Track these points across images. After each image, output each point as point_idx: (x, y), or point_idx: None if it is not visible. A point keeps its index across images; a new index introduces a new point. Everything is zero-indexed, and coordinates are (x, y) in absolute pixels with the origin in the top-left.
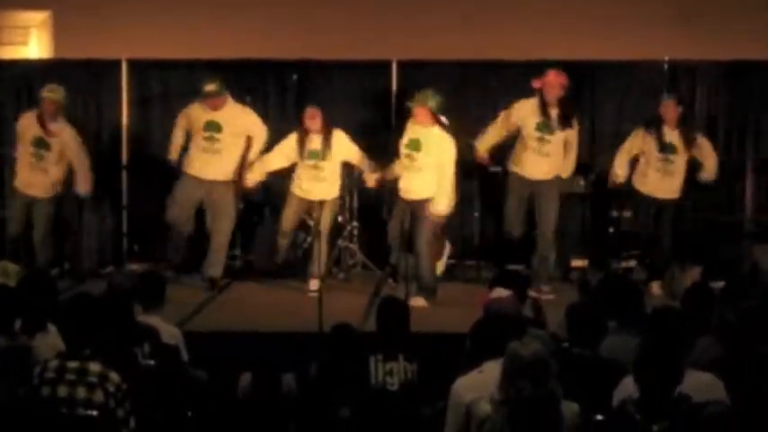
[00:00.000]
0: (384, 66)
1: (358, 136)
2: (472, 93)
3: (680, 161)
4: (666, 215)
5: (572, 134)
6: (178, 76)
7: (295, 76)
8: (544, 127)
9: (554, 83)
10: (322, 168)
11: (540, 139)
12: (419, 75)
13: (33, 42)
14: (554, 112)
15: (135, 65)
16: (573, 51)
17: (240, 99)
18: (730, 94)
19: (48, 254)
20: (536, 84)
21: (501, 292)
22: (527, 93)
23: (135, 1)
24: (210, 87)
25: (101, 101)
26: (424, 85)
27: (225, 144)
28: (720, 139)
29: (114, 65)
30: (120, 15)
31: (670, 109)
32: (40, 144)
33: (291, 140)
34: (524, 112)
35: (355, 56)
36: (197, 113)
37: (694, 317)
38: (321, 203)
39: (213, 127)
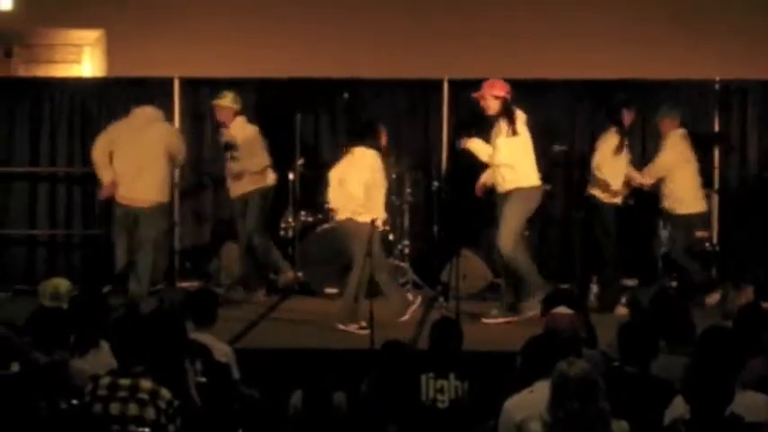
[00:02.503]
0: (435, 85)
1: (407, 154)
2: (522, 111)
3: None
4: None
5: (516, 141)
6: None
7: (346, 95)
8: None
9: (484, 95)
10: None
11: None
12: (469, 93)
13: (86, 60)
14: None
15: (187, 83)
16: (622, 71)
17: (290, 117)
18: None
19: None
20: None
21: (563, 311)
22: (575, 111)
23: (187, 19)
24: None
25: None
26: (474, 104)
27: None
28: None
29: (167, 83)
30: (172, 34)
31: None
32: None
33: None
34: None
35: (406, 74)
36: None
37: (746, 337)
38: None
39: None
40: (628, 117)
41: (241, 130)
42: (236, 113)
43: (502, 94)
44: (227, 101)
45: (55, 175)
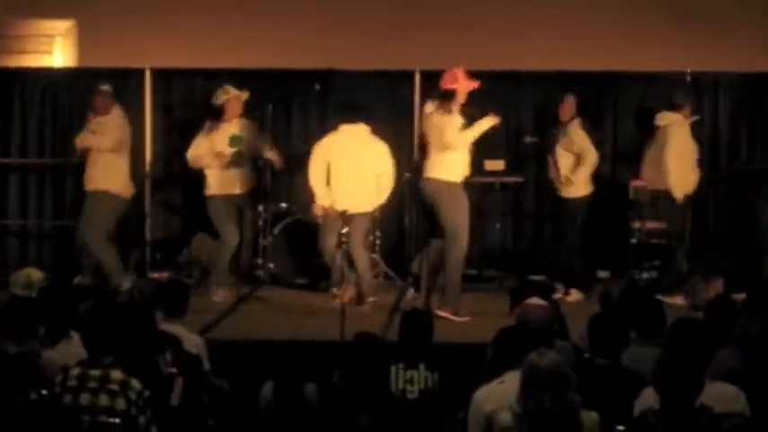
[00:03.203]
0: (407, 75)
1: None
2: (493, 103)
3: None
4: None
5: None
6: (201, 84)
7: (318, 86)
8: None
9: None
10: None
11: None
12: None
13: (58, 51)
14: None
15: (159, 73)
16: (594, 62)
17: (262, 108)
18: (752, 106)
19: None
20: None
21: (536, 302)
22: (547, 103)
23: (159, 10)
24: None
25: (125, 109)
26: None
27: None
28: (743, 150)
29: (138, 73)
30: (143, 24)
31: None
32: None
33: None
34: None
35: (378, 66)
36: None
37: (716, 328)
38: None
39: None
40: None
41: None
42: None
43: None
44: (233, 94)
45: (26, 166)
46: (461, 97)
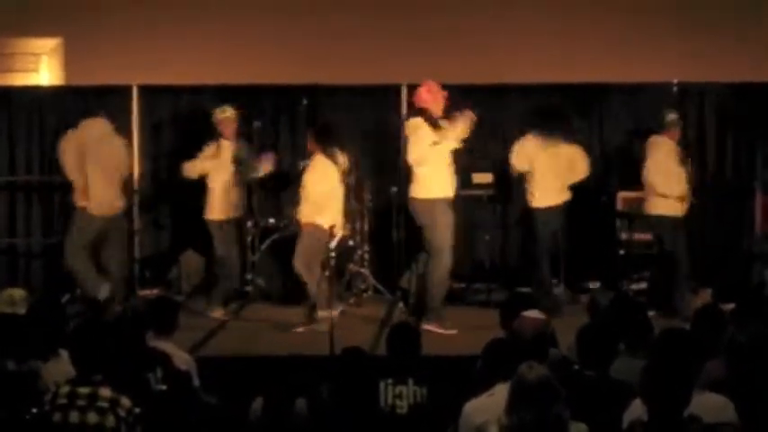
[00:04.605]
0: (394, 89)
1: (367, 159)
2: (481, 116)
3: None
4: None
5: None
6: (188, 101)
7: (305, 101)
8: None
9: (442, 97)
10: None
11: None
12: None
13: (45, 69)
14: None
15: (146, 90)
16: (581, 74)
17: (249, 124)
18: (739, 116)
19: None
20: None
21: (533, 314)
22: (534, 116)
23: (145, 27)
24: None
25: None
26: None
27: None
28: (729, 160)
29: (125, 91)
30: (130, 42)
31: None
32: None
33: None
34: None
35: (365, 81)
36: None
37: (704, 338)
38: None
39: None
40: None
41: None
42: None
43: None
44: (230, 113)
45: (14, 184)
46: (435, 112)
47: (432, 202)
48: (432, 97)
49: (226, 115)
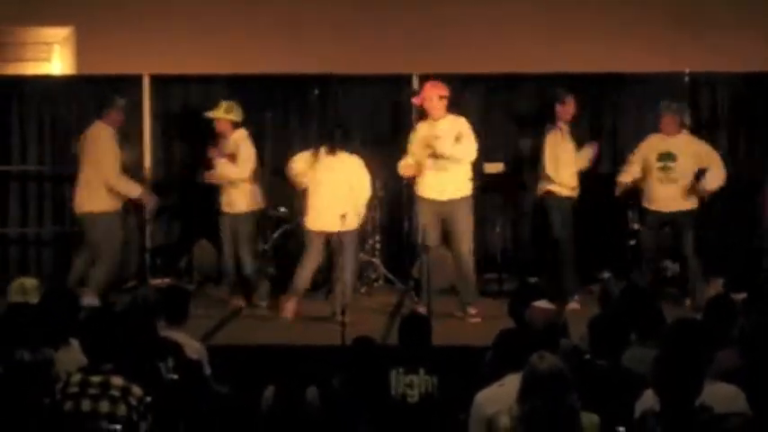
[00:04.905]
0: (405, 79)
1: (378, 149)
2: (492, 105)
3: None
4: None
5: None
6: (200, 90)
7: (317, 91)
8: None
9: (430, 97)
10: None
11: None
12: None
13: (56, 58)
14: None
15: (157, 80)
16: (593, 64)
17: (261, 114)
18: (751, 106)
19: None
20: (416, 101)
21: (544, 305)
22: (547, 106)
23: (157, 17)
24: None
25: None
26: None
27: None
28: (741, 151)
29: (136, 80)
30: (142, 31)
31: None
32: None
33: None
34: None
35: (376, 70)
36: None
37: (716, 328)
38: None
39: None
40: (564, 111)
41: (234, 144)
42: (236, 125)
43: (446, 93)
44: (220, 112)
45: (26, 173)
46: (431, 110)
47: (419, 201)
48: (425, 96)
49: (213, 113)
